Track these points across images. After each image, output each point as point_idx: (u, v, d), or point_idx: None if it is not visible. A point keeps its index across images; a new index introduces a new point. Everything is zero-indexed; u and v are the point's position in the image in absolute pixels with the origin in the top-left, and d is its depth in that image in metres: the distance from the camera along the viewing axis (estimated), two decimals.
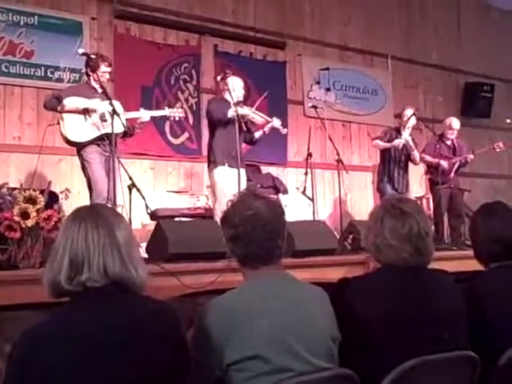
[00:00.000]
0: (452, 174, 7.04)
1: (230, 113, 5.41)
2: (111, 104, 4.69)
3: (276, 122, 5.74)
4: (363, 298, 2.12)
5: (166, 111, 5.57)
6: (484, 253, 2.62)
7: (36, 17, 6.58)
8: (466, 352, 2.04)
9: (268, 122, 5.72)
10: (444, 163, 6.89)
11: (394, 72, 9.53)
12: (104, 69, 5.15)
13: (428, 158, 6.98)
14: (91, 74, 5.12)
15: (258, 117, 5.68)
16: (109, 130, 4.77)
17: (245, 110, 5.58)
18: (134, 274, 1.77)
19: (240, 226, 2.06)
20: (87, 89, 5.18)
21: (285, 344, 1.88)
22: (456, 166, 7.08)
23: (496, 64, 10.44)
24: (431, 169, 6.95)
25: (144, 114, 5.33)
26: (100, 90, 5.13)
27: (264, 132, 5.76)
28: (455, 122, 7.14)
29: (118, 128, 4.82)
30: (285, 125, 7.80)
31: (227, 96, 5.55)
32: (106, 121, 4.91)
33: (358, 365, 1.97)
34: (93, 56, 5.11)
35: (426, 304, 2.12)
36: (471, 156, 7.15)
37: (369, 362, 2.03)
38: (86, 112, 4.97)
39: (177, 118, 5.68)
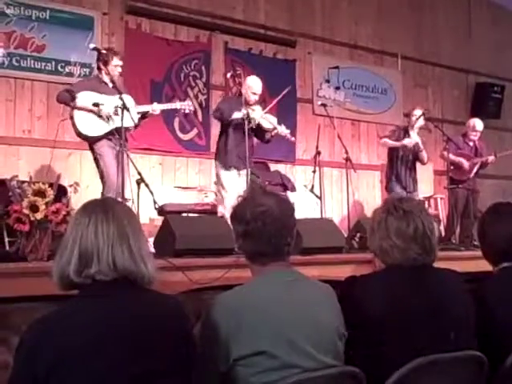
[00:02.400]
0: (472, 174, 7.03)
1: (235, 115, 5.42)
2: (121, 98, 4.70)
3: (281, 130, 5.67)
4: (370, 296, 2.12)
5: (177, 104, 5.62)
6: (492, 253, 2.61)
7: (48, 11, 6.60)
8: (472, 352, 2.03)
9: (275, 129, 5.69)
10: (465, 162, 6.90)
11: (403, 71, 9.51)
12: (116, 62, 5.19)
13: (451, 156, 6.91)
14: (103, 67, 5.14)
15: (266, 123, 5.63)
16: (120, 124, 4.80)
17: (255, 114, 5.53)
18: (143, 268, 1.78)
19: (251, 222, 2.06)
20: (98, 83, 5.22)
21: (291, 340, 1.88)
22: (477, 167, 7.07)
23: (506, 65, 10.40)
24: (452, 167, 6.89)
25: (155, 107, 5.38)
26: (111, 85, 5.16)
27: (271, 136, 5.74)
28: (479, 124, 7.16)
29: (129, 122, 4.84)
30: (293, 123, 7.84)
31: (245, 94, 5.55)
32: (117, 115, 4.93)
33: (363, 362, 1.97)
34: (104, 51, 5.14)
35: (433, 303, 2.12)
36: (492, 157, 7.12)
37: (375, 360, 2.03)
38: (97, 107, 4.99)
39: (187, 111, 5.68)
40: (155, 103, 5.49)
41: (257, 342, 1.85)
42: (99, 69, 5.25)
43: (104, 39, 6.92)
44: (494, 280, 2.52)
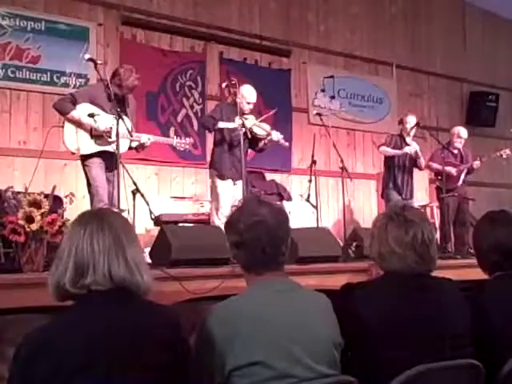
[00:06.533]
0: (460, 182, 7.06)
1: (223, 124, 5.45)
2: (118, 114, 4.48)
3: (275, 136, 5.68)
4: (366, 304, 2.11)
5: (173, 141, 5.39)
6: (487, 261, 2.61)
7: (43, 22, 6.62)
8: (469, 360, 2.03)
9: (269, 134, 5.69)
10: (452, 169, 6.92)
11: (398, 80, 9.55)
12: (134, 82, 5.09)
13: (435, 165, 6.99)
14: (116, 80, 4.97)
15: (259, 130, 5.64)
16: (110, 149, 4.73)
17: (249, 122, 5.53)
18: (139, 278, 1.78)
19: (245, 233, 2.05)
20: (104, 94, 4.92)
21: (287, 350, 1.88)
22: (464, 174, 7.11)
23: (501, 73, 10.46)
24: (439, 176, 6.94)
25: (145, 138, 5.06)
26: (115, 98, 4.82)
27: (265, 143, 5.74)
28: (463, 132, 7.19)
29: (123, 147, 4.69)
30: (289, 132, 7.86)
31: (239, 104, 5.49)
32: (110, 137, 4.78)
33: (360, 371, 1.97)
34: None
35: (430, 311, 2.11)
36: (477, 163, 7.16)
37: (371, 368, 2.02)
38: (92, 117, 4.75)
39: (181, 149, 5.48)
40: (151, 136, 5.21)
41: (252, 353, 1.84)
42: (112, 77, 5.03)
43: (99, 50, 6.93)
44: (490, 288, 2.51)
